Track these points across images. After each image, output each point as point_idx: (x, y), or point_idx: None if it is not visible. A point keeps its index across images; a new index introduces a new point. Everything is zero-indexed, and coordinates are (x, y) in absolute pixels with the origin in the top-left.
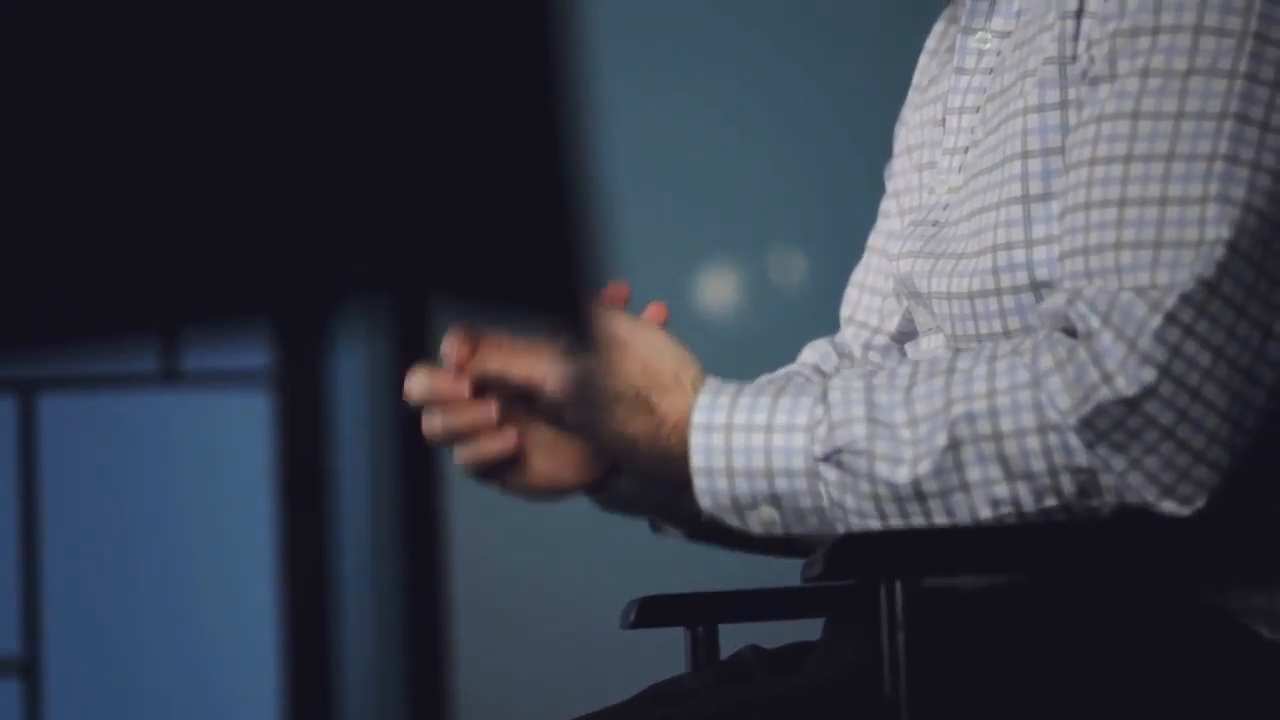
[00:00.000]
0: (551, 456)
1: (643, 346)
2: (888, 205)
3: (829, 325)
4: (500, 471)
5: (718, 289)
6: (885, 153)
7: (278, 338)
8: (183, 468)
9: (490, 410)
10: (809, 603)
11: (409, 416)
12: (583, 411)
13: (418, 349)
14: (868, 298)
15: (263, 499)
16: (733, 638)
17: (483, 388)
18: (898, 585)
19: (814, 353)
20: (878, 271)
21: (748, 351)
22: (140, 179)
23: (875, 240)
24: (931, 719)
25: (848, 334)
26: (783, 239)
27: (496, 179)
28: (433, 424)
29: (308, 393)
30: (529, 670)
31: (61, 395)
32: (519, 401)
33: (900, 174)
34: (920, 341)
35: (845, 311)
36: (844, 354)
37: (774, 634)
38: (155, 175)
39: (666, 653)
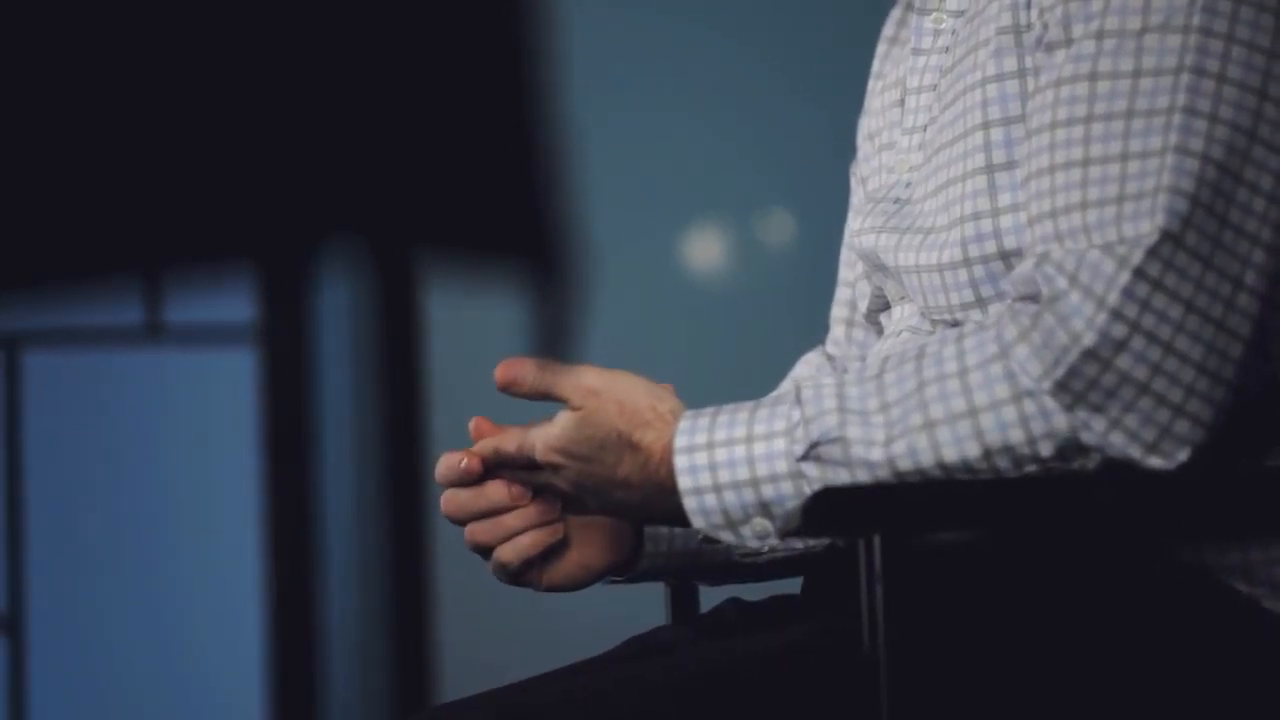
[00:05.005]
0: (582, 543)
1: (616, 389)
2: (856, 200)
3: (813, 286)
4: (538, 568)
5: (705, 249)
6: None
7: (261, 287)
8: (167, 424)
9: (553, 505)
10: (789, 562)
11: (393, 372)
12: (575, 466)
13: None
14: (847, 291)
15: (247, 454)
16: (714, 590)
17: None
18: (876, 540)
19: (807, 366)
20: (851, 266)
21: (736, 311)
22: (122, 123)
23: (850, 237)
24: (910, 674)
25: (839, 333)
26: (770, 200)
27: (472, 127)
28: (480, 532)
29: (292, 348)
30: (510, 621)
31: (46, 351)
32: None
33: (864, 161)
34: (893, 311)
35: (840, 313)
36: (838, 365)
37: (755, 586)
38: (137, 119)
39: (647, 605)
